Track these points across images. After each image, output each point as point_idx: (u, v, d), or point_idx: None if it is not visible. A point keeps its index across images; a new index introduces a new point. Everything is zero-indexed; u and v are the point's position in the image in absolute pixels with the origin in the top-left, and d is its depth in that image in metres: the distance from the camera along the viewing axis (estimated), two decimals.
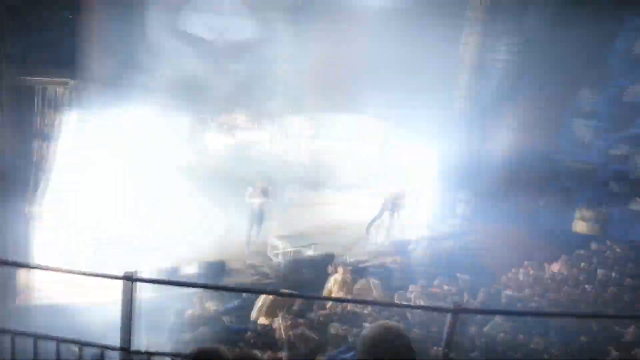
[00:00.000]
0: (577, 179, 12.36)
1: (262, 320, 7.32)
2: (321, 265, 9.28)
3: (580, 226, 12.84)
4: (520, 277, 9.46)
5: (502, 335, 6.55)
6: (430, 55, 10.54)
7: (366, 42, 11.40)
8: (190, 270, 8.93)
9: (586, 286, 8.77)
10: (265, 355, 5.90)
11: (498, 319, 6.82)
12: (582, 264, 9.93)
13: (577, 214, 12.83)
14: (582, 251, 10.97)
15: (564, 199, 12.39)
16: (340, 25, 11.37)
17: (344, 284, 8.65)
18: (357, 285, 8.80)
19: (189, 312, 7.32)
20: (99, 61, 8.45)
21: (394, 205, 11.42)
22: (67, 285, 7.80)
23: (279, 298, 7.38)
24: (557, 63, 11.11)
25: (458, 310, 2.79)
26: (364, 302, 7.71)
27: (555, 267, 9.97)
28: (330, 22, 11.45)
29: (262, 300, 7.52)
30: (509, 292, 8.44)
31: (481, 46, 11.57)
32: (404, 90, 11.40)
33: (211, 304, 7.47)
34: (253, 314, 7.48)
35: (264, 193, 10.25)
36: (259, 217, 10.26)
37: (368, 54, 11.46)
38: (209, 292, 7.72)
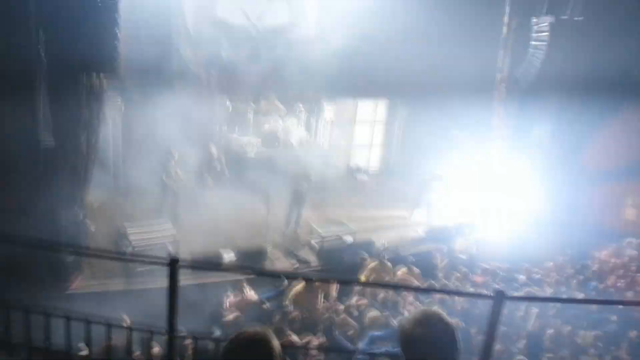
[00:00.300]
0: (628, 163, 11.79)
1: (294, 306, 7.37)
2: (361, 253, 9.27)
3: (631, 213, 12.31)
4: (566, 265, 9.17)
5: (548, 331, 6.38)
6: (471, 37, 10.26)
7: (402, 24, 11.21)
8: (230, 258, 9.10)
9: (638, 275, 8.44)
10: (304, 340, 5.97)
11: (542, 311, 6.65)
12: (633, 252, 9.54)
13: (629, 200, 12.30)
14: (632, 239, 10.55)
15: (617, 182, 11.86)
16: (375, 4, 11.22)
17: (381, 272, 8.63)
18: (398, 273, 8.76)
19: (230, 298, 7.46)
20: (140, 52, 8.69)
21: (430, 188, 11.31)
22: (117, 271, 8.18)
23: (312, 284, 7.41)
24: (603, 43, 10.58)
25: (501, 297, 2.72)
26: (406, 288, 7.66)
27: (605, 255, 9.62)
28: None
29: (295, 286, 7.59)
30: (552, 280, 8.22)
31: (519, 27, 11.14)
32: (440, 76, 11.19)
33: (251, 291, 7.58)
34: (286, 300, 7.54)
35: (306, 178, 10.33)
36: (300, 202, 10.39)
37: (405, 36, 11.26)
38: (249, 280, 7.85)
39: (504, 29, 11.25)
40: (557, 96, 11.47)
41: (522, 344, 6.17)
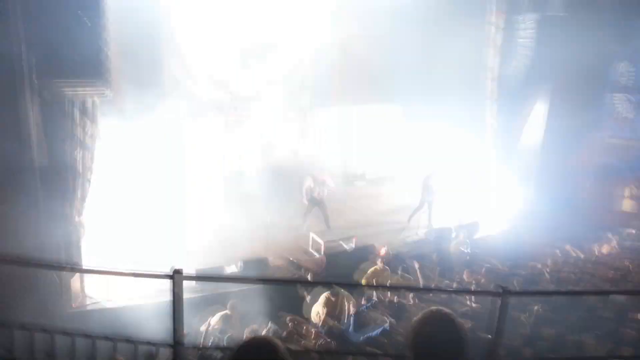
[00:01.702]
0: (623, 156, 11.88)
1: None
2: (362, 258, 9.26)
3: (629, 205, 12.37)
4: (568, 258, 9.19)
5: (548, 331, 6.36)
6: (457, 37, 10.31)
7: (389, 27, 11.28)
8: (232, 268, 9.09)
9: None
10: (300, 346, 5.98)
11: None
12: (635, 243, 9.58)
13: (626, 192, 12.36)
14: (632, 230, 10.60)
15: (611, 177, 11.94)
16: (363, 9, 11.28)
17: (381, 275, 8.67)
18: (394, 279, 8.81)
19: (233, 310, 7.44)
20: (130, 69, 8.70)
21: (428, 189, 11.33)
22: (117, 288, 8.13)
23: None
24: (589, 38, 10.72)
25: (507, 293, 2.73)
26: (409, 289, 7.66)
27: (605, 248, 9.66)
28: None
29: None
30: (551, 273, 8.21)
31: (507, 24, 11.21)
32: (431, 77, 11.24)
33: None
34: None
35: (323, 184, 10.65)
36: (320, 205, 10.74)
37: (392, 39, 11.32)
38: (251, 290, 7.83)
39: (492, 28, 11.32)
40: (548, 92, 11.58)
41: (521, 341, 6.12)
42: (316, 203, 10.77)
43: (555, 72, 11.00)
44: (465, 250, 9.99)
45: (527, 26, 11.02)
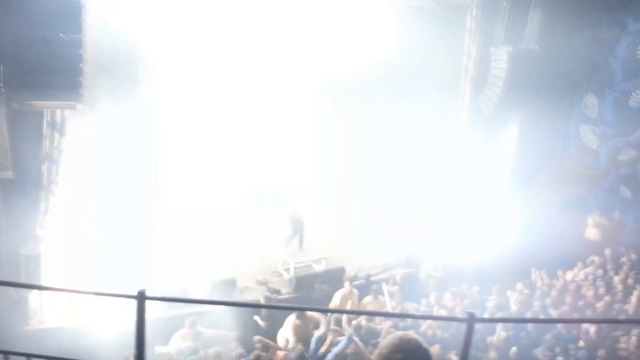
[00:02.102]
0: (588, 185, 12.27)
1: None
2: (332, 280, 9.23)
3: (593, 233, 12.71)
4: (535, 284, 9.34)
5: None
6: (437, 66, 10.52)
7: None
8: (200, 288, 8.92)
9: (606, 296, 8.62)
10: None
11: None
12: (598, 271, 9.81)
13: (590, 220, 12.71)
14: (595, 257, 10.86)
15: (577, 205, 12.29)
16: None
17: (350, 299, 8.65)
18: (364, 301, 8.80)
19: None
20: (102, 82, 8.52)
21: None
22: (76, 307, 7.86)
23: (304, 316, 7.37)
24: (558, 70, 11.12)
25: (473, 320, 2.75)
26: (379, 314, 7.65)
27: (570, 274, 9.86)
28: None
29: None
30: (519, 301, 8.34)
31: (481, 56, 11.57)
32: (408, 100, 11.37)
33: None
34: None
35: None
36: (301, 227, 10.68)
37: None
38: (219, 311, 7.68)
39: (465, 58, 11.65)
40: (517, 121, 11.93)
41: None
42: (298, 227, 10.71)
43: (526, 102, 11.36)
44: (435, 274, 10.04)
45: (499, 57, 11.38)
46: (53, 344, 7.11)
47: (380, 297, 9.00)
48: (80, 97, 7.29)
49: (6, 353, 2.95)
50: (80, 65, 7.06)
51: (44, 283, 7.69)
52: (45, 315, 7.73)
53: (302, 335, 7.28)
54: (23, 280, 7.07)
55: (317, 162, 12.33)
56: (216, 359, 6.69)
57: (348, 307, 8.58)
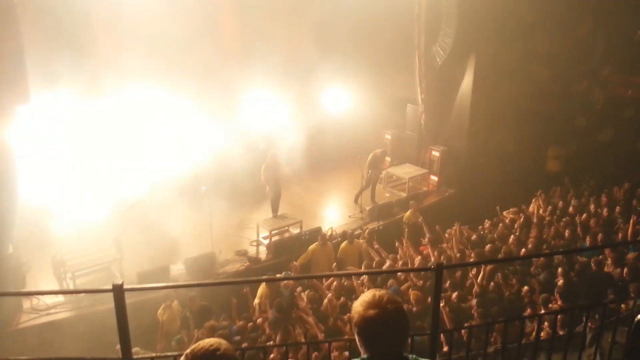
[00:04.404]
0: (545, 121, 12.60)
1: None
2: (310, 241, 9.38)
3: (553, 164, 13.17)
4: (503, 222, 9.66)
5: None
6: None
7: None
8: (180, 267, 8.96)
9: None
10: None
11: None
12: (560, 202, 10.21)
13: (550, 153, 13.14)
14: (557, 188, 11.30)
15: (535, 140, 12.65)
16: None
17: (321, 251, 9.03)
18: (342, 246, 9.25)
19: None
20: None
21: (374, 167, 11.62)
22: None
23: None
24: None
25: (441, 267, 2.90)
26: (349, 274, 7.83)
27: (532, 207, 10.22)
28: None
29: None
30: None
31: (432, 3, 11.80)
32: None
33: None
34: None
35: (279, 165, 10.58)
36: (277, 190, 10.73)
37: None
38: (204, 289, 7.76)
39: (416, 7, 11.79)
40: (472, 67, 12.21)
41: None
42: (274, 187, 10.57)
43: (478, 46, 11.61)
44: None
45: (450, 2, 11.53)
46: (36, 342, 7.12)
47: (356, 241, 9.36)
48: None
49: None
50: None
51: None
52: (25, 315, 7.67)
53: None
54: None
55: None
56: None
57: (322, 260, 8.89)
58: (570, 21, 12.27)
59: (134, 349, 3.17)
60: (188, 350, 1.89)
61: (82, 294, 7.90)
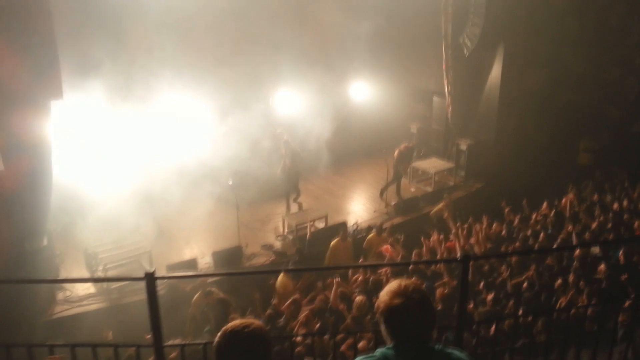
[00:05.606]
0: (576, 112, 12.27)
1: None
2: (335, 235, 9.39)
3: (584, 158, 12.83)
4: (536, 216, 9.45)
5: None
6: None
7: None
8: (207, 260, 9.09)
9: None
10: None
11: None
12: (594, 196, 9.92)
13: (581, 146, 12.80)
14: (589, 182, 10.99)
15: (565, 131, 12.33)
16: None
17: (342, 248, 9.05)
18: (369, 237, 9.30)
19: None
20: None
21: (401, 163, 11.53)
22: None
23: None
24: None
25: (468, 258, 2.87)
26: (374, 266, 7.79)
27: (565, 200, 9.97)
28: None
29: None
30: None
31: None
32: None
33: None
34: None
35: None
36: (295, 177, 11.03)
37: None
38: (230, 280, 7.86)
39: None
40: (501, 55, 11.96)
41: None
42: (289, 174, 10.74)
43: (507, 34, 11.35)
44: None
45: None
46: (71, 331, 7.34)
47: (383, 233, 9.32)
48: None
49: (29, 347, 3.06)
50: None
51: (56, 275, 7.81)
52: (59, 305, 7.92)
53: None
54: (30, 275, 7.15)
55: None
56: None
57: (342, 255, 8.95)
58: (602, 6, 11.87)
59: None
60: (226, 330, 1.96)
61: (113, 286, 8.07)
